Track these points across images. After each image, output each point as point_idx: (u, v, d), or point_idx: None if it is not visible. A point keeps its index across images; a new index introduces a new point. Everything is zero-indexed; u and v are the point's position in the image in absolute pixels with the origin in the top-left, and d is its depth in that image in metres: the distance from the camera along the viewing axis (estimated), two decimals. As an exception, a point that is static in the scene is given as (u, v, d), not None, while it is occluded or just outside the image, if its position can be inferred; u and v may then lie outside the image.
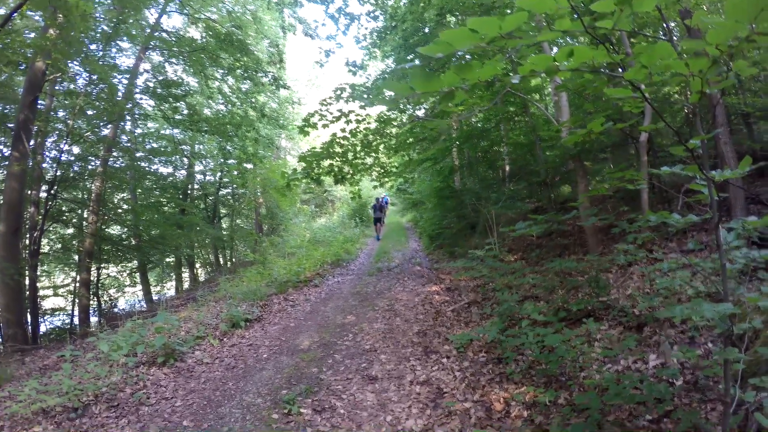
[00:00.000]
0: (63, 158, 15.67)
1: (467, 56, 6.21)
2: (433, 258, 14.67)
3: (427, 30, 14.30)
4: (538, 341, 4.36)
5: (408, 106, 11.84)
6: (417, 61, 13.57)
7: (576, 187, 9.25)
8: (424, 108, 12.93)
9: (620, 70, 2.21)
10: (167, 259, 22.86)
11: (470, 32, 1.65)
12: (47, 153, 15.95)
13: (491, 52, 2.02)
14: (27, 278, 12.84)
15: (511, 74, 2.21)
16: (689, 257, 4.82)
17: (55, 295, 19.42)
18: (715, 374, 3.48)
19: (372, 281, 11.47)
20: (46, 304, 18.58)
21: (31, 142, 11.27)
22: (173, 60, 17.53)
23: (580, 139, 2.87)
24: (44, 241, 16.27)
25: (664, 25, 8.02)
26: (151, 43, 16.55)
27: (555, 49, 7.51)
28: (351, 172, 12.44)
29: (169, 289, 25.38)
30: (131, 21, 14.83)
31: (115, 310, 19.52)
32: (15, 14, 9.79)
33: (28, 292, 13.01)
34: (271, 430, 4.23)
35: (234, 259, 27.01)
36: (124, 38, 15.84)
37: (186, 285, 23.42)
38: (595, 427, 3.16)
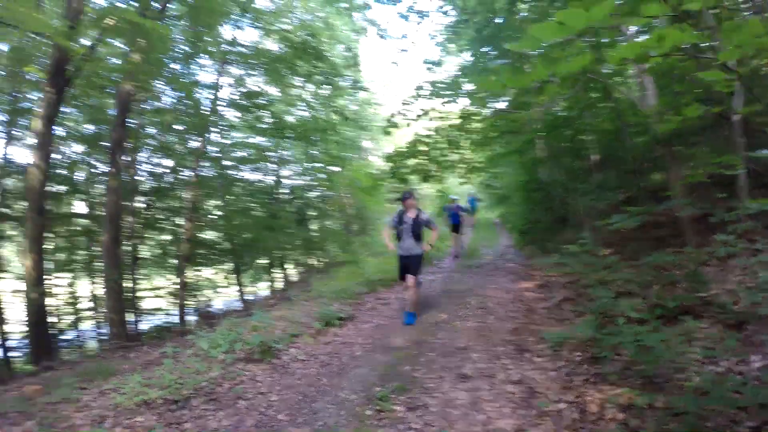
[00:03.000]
0: (156, 171, 16.60)
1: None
2: (524, 254, 14.43)
3: (498, 20, 14.11)
4: (635, 340, 4.22)
5: (489, 99, 11.70)
6: (497, 54, 13.40)
7: (668, 174, 8.85)
8: (505, 101, 12.74)
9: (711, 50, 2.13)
10: (260, 261, 23.59)
11: (558, 25, 1.64)
12: (141, 167, 16.97)
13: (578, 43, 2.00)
14: (131, 281, 13.68)
15: (599, 62, 2.19)
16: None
17: (155, 296, 20.57)
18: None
19: (463, 279, 11.43)
20: (147, 304, 19.77)
21: (126, 158, 11.99)
22: (252, 72, 18.12)
23: (675, 126, 2.78)
24: (144, 247, 17.20)
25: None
26: (230, 57, 17.18)
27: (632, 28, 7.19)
28: (437, 169, 12.45)
29: (263, 289, 26.19)
30: (207, 39, 15.46)
31: (211, 309, 20.42)
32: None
33: (129, 294, 13.87)
34: (364, 426, 4.32)
35: (325, 260, 27.56)
36: (203, 56, 16.52)
37: (279, 285, 24.08)
38: (692, 433, 3.04)
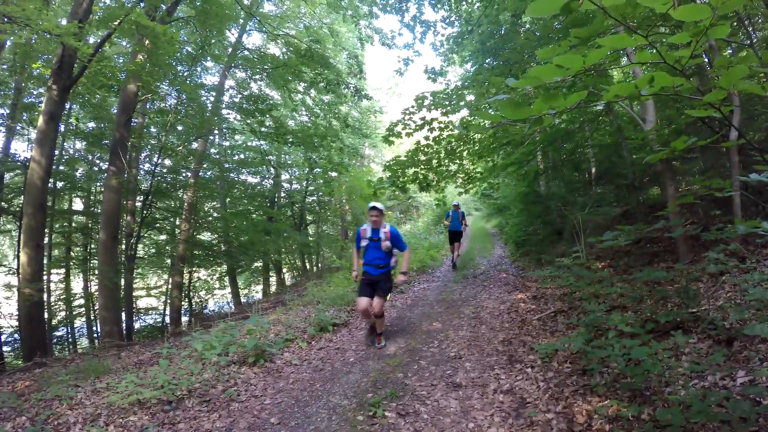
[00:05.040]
0: (156, 171, 16.69)
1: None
2: (519, 265, 14.48)
3: (503, 31, 14.24)
4: (624, 353, 4.29)
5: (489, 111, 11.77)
6: (493, 65, 13.48)
7: (665, 189, 8.95)
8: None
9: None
10: (255, 264, 23.67)
11: (557, 67, 1.80)
12: (142, 166, 17.10)
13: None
14: (123, 280, 13.73)
15: (594, 93, 2.29)
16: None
17: (149, 295, 20.70)
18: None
19: (458, 288, 11.48)
20: (140, 303, 19.85)
21: (127, 157, 12.07)
22: (256, 76, 18.24)
23: (664, 157, 2.88)
24: (140, 246, 17.29)
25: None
26: (234, 61, 17.30)
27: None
28: (436, 179, 12.51)
29: (257, 292, 26.26)
30: (214, 41, 15.58)
31: (205, 310, 20.51)
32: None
33: (124, 293, 13.93)
34: (356, 431, 4.38)
35: (320, 265, 27.62)
36: (209, 59, 16.64)
37: (273, 289, 24.16)
38: (676, 446, 3.11)
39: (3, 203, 14.31)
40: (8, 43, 12.73)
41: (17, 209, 14.09)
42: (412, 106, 10.81)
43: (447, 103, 10.63)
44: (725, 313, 5.05)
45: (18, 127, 14.86)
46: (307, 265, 27.47)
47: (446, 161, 12.05)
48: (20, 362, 10.53)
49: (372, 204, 7.07)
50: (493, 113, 2.16)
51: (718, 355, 4.00)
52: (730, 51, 9.09)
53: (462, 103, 10.63)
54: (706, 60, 7.70)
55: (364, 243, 7.17)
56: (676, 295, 5.89)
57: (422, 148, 11.48)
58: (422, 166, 11.94)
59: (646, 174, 11.24)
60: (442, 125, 10.80)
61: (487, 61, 15.59)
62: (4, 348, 14.10)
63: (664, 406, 3.68)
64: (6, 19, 8.85)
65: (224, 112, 17.66)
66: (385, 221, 7.36)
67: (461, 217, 14.85)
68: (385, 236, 7.06)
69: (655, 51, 1.96)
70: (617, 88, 1.96)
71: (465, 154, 12.39)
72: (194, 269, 20.53)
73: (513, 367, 5.53)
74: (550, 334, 6.64)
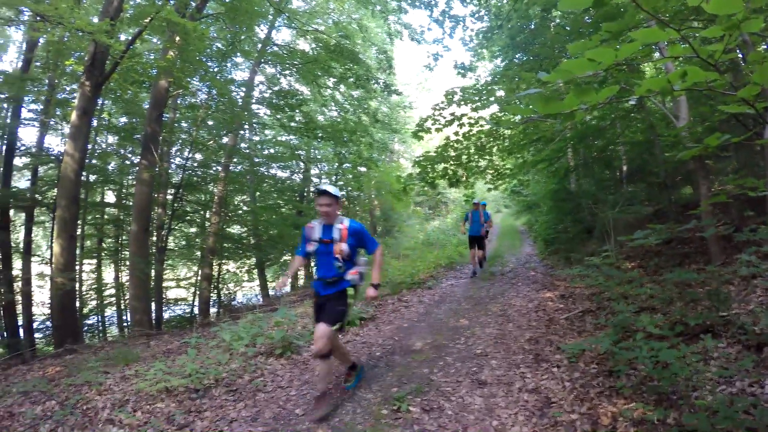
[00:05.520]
0: (187, 165, 16.92)
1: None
2: (547, 263, 14.32)
3: (533, 26, 14.07)
4: (652, 356, 4.20)
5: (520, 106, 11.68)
6: (528, 60, 13.37)
7: (698, 189, 8.75)
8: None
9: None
10: (284, 257, 23.86)
11: (589, 61, 1.78)
12: (173, 160, 17.34)
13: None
14: (153, 271, 13.96)
15: (626, 89, 2.26)
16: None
17: (178, 286, 21.01)
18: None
19: (485, 285, 11.41)
20: (170, 294, 20.17)
21: (158, 151, 12.25)
22: (286, 72, 18.33)
23: (697, 154, 2.82)
24: (170, 238, 17.56)
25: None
26: (264, 57, 17.40)
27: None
28: (465, 175, 12.44)
29: (285, 285, 26.42)
30: (243, 38, 15.70)
31: (234, 302, 20.74)
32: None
33: (154, 284, 14.16)
34: (380, 425, 4.35)
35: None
36: (238, 54, 16.78)
37: (301, 282, 24.31)
38: (701, 451, 3.04)
39: (37, 195, 14.63)
40: (41, 40, 13.03)
41: (51, 201, 14.40)
42: (442, 102, 10.77)
43: (477, 98, 10.57)
44: (756, 318, 4.92)
45: (51, 122, 15.20)
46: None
47: (476, 157, 11.96)
48: (51, 349, 10.79)
49: (320, 187, 5.02)
50: (524, 108, 2.15)
51: (747, 360, 3.90)
52: (765, 47, 8.85)
53: (492, 99, 10.56)
54: (740, 56, 7.50)
55: (311, 248, 5.01)
56: (706, 297, 5.75)
57: (452, 144, 11.42)
58: (451, 162, 11.88)
59: (679, 173, 11.04)
60: (471, 121, 10.74)
61: (517, 56, 15.45)
62: (36, 335, 14.47)
63: (691, 410, 3.60)
64: (39, 18, 9.04)
65: (254, 107, 17.82)
66: (341, 213, 5.29)
67: (484, 219, 12.89)
68: (340, 236, 4.93)
69: (687, 45, 1.91)
70: (649, 82, 1.93)
71: (495, 150, 12.28)
72: (223, 261, 20.78)
73: (539, 366, 5.47)
74: (577, 333, 6.55)
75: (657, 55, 8.24)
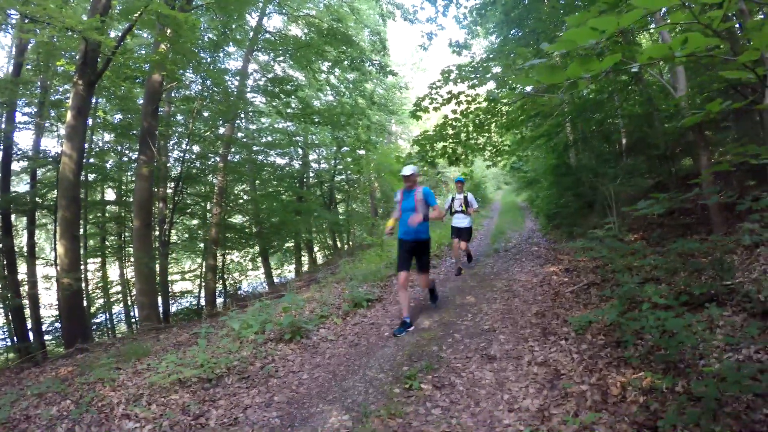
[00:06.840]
0: (185, 157, 16.88)
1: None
2: (550, 238, 14.36)
3: (527, 1, 13.97)
4: (658, 325, 4.23)
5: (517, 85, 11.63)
6: (523, 36, 13.27)
7: (698, 160, 8.73)
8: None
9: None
10: (287, 244, 23.87)
11: (591, 30, 1.78)
12: (171, 154, 17.32)
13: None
14: (158, 265, 14.01)
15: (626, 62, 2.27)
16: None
17: (184, 279, 21.07)
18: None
19: (490, 262, 11.47)
20: (176, 287, 20.23)
21: (156, 146, 12.22)
22: (279, 59, 18.23)
23: (699, 120, 2.82)
24: (173, 232, 17.57)
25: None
26: (256, 45, 17.30)
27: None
28: (464, 152, 12.41)
29: (290, 272, 26.51)
30: (234, 26, 15.58)
31: (240, 292, 20.82)
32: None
33: (159, 278, 14.21)
34: (393, 403, 4.39)
35: (351, 242, 27.76)
36: (231, 44, 16.69)
37: (306, 268, 24.37)
38: (710, 417, 3.06)
39: (38, 198, 14.63)
40: (31, 43, 12.95)
41: (51, 203, 14.41)
42: (438, 80, 10.73)
43: (473, 75, 10.53)
44: (760, 286, 4.93)
45: (47, 124, 15.14)
46: (338, 243, 27.64)
47: (474, 134, 11.93)
48: (62, 350, 10.83)
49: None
50: (528, 78, 2.17)
51: (752, 328, 3.94)
52: (761, 15, 8.79)
53: (488, 75, 10.51)
54: (738, 25, 7.46)
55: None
56: (710, 267, 5.77)
57: (450, 122, 11.40)
58: (450, 140, 11.86)
59: (678, 144, 10.99)
60: (469, 98, 10.71)
61: (511, 32, 15.37)
62: (46, 337, 14.55)
63: (699, 378, 3.63)
64: (27, 20, 8.96)
65: (249, 95, 17.72)
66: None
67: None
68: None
69: (688, 12, 1.92)
70: (651, 50, 1.94)
71: (493, 126, 12.25)
72: (227, 252, 20.83)
73: (547, 339, 5.51)
74: (583, 306, 6.58)
75: (653, 26, 8.20)
